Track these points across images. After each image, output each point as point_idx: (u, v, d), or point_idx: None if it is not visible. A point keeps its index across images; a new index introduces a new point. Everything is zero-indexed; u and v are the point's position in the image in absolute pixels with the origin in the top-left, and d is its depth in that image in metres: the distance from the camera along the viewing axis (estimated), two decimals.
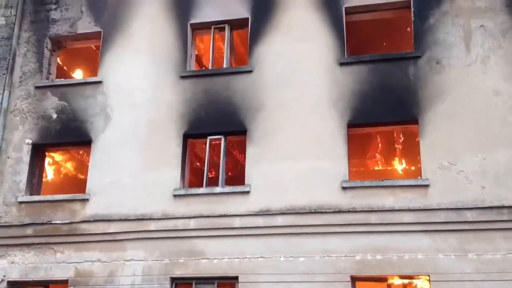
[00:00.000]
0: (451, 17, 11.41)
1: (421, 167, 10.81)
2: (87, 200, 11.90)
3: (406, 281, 10.60)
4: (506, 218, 10.07)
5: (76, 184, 13.54)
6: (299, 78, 11.79)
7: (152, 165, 11.88)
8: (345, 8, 12.02)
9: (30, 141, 12.57)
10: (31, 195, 12.33)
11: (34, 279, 11.62)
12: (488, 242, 10.01)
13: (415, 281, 10.56)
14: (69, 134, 12.52)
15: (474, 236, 10.11)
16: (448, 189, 10.45)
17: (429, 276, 10.11)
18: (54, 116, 12.70)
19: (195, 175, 12.97)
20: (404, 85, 11.25)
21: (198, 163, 13.35)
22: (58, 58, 13.85)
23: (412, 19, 11.64)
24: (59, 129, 12.58)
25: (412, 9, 11.66)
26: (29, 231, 11.87)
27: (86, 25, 13.33)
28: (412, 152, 12.46)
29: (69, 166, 14.08)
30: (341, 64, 11.66)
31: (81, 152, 13.21)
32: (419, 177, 10.89)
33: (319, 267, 10.53)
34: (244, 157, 11.78)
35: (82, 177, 13.38)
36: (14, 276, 11.70)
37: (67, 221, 11.80)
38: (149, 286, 11.07)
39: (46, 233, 11.79)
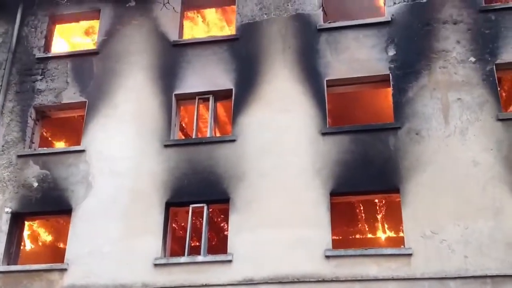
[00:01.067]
0: (429, 90, 11.80)
1: (404, 235, 10.86)
2: (65, 270, 11.63)
3: None
4: (490, 287, 10.04)
5: (55, 254, 13.24)
6: (282, 148, 11.96)
7: (133, 234, 11.74)
8: (327, 81, 12.39)
9: (10, 210, 12.38)
10: (8, 264, 12.02)
11: None
12: None
13: None
14: (50, 203, 12.39)
15: None
16: (431, 258, 10.45)
17: None
18: (35, 184, 12.60)
19: (177, 243, 12.84)
20: (385, 155, 11.47)
21: (180, 231, 13.21)
22: (41, 128, 13.90)
23: (392, 92, 12.02)
24: (39, 198, 12.46)
25: (391, 83, 12.07)
26: None
27: (71, 95, 13.50)
28: (394, 220, 12.55)
29: (48, 235, 13.81)
30: (323, 134, 11.88)
31: (61, 221, 13.00)
32: (402, 246, 10.91)
33: None
34: (227, 226, 11.70)
35: (61, 246, 13.11)
36: None
37: None
38: None
39: None
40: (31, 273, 11.75)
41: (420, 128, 11.53)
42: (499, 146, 11.05)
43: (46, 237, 13.86)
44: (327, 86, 12.39)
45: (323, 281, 10.67)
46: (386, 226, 13.17)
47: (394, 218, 12.33)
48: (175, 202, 12.04)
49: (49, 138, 14.83)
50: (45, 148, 13.50)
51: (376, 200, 12.28)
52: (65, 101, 13.51)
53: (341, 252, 10.99)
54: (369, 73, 12.30)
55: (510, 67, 11.84)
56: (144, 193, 12.09)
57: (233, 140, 12.24)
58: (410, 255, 10.56)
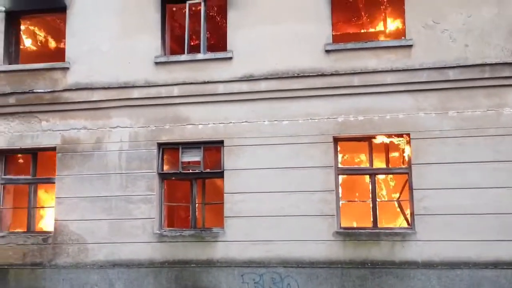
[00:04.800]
0: None
1: (405, 27, 10.71)
2: (67, 68, 11.72)
3: (387, 139, 10.83)
4: (488, 75, 10.16)
5: (55, 53, 13.24)
6: None
7: (130, 32, 11.61)
8: None
9: (3, 9, 12.08)
10: (9, 64, 12.10)
11: (22, 147, 11.73)
12: (469, 100, 10.19)
13: (396, 140, 10.81)
14: (43, 0, 12.02)
15: (456, 94, 10.26)
16: (431, 49, 10.42)
17: (409, 134, 10.39)
18: None
19: (176, 42, 12.74)
20: None
21: (179, 30, 13.04)
22: None
23: None
24: None
25: None
26: (11, 100, 11.76)
27: None
28: (397, 13, 12.28)
29: (47, 34, 13.66)
30: None
31: (57, 19, 12.75)
32: (402, 38, 10.82)
33: (303, 130, 10.73)
34: (226, 23, 11.51)
35: (61, 46, 13.06)
36: (1, 144, 11.76)
37: (49, 90, 11.70)
38: (136, 152, 11.26)
39: (29, 102, 11.72)
40: (34, 72, 11.86)
41: None
42: None
43: (44, 36, 13.72)
44: None
45: (323, 75, 10.77)
46: (388, 18, 12.89)
47: (397, 10, 12.03)
48: None
49: None
50: None
51: None
52: None
53: (341, 46, 10.92)
54: None
55: None
56: None
57: None
58: (410, 46, 10.51)
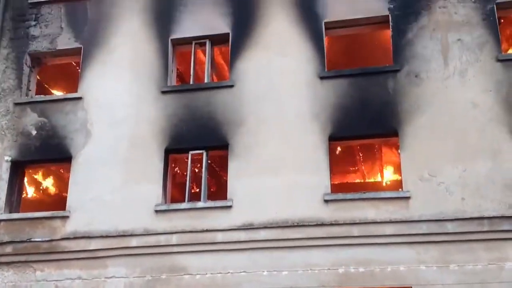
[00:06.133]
0: (429, 31, 11.59)
1: (402, 179, 10.90)
2: (67, 217, 11.76)
3: None
4: (487, 229, 10.17)
5: (56, 201, 13.38)
6: (280, 93, 11.86)
7: (133, 181, 11.81)
8: (325, 23, 12.13)
9: (10, 158, 12.42)
10: (10, 213, 12.15)
11: None
12: (469, 253, 10.10)
13: None
14: (49, 151, 12.40)
15: (456, 247, 10.20)
16: (429, 201, 10.53)
17: (411, 287, 10.16)
18: (34, 132, 12.59)
19: (177, 190, 12.93)
20: (383, 98, 11.37)
21: (180, 178, 13.29)
22: (37, 75, 13.76)
23: (391, 33, 11.81)
24: (38, 146, 12.46)
25: (391, 24, 11.84)
26: (8, 249, 11.68)
27: (66, 41, 13.29)
28: (393, 164, 12.59)
29: (49, 183, 13.90)
30: (322, 78, 11.75)
31: (61, 169, 13.05)
32: (400, 189, 10.98)
33: (302, 281, 10.51)
34: (226, 172, 11.76)
35: (62, 194, 13.24)
36: None
37: (47, 239, 11.64)
38: None
39: (26, 251, 11.60)
40: (34, 221, 11.88)
41: (420, 70, 11.39)
42: (498, 87, 10.96)
43: (47, 185, 13.94)
44: (326, 29, 12.15)
45: (322, 224, 10.79)
46: (384, 169, 13.20)
47: (393, 162, 12.36)
48: (174, 149, 12.05)
49: (46, 85, 14.68)
50: (42, 96, 13.41)
51: (375, 144, 12.24)
52: (60, 47, 13.32)
53: (340, 196, 11.07)
54: (368, 14, 12.03)
55: (511, 6, 11.54)
56: (143, 140, 12.08)
57: (231, 86, 12.12)
58: (408, 198, 10.63)
